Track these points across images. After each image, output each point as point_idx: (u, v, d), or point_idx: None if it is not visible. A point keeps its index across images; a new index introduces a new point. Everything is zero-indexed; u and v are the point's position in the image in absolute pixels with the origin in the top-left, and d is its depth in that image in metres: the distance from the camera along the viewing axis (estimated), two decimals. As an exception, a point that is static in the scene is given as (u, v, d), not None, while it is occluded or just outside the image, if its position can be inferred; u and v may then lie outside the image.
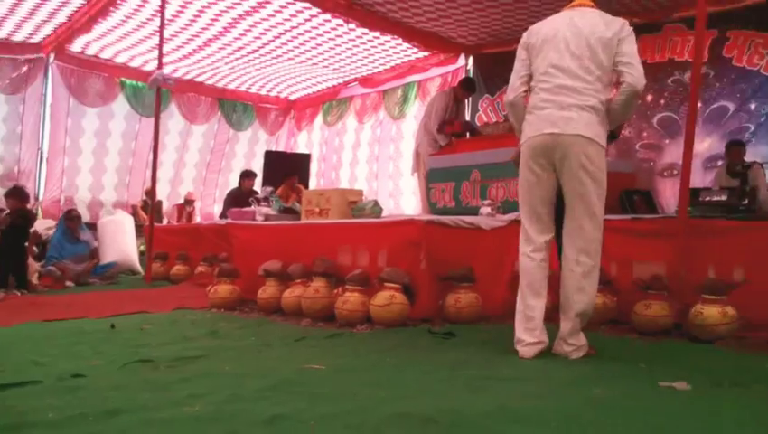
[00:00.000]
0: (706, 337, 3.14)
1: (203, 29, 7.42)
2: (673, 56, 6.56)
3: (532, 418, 1.83)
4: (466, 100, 7.02)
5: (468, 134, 5.73)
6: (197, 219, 9.50)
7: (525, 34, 2.92)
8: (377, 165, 9.68)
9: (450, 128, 5.65)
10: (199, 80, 9.64)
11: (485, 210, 4.31)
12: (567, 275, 2.76)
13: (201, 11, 6.88)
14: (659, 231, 3.70)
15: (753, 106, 6.06)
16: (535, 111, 2.80)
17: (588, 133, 2.69)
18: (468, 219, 4.08)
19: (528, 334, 2.78)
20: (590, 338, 3.28)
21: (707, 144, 6.36)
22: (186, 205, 9.37)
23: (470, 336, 3.29)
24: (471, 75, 8.10)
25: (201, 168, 10.23)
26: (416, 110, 8.82)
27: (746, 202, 4.33)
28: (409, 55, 8.29)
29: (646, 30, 6.66)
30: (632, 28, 2.75)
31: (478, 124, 7.10)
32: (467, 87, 6.45)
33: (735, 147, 5.63)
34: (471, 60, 8.21)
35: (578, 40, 2.73)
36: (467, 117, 7.96)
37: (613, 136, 3.09)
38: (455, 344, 3.14)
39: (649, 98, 6.75)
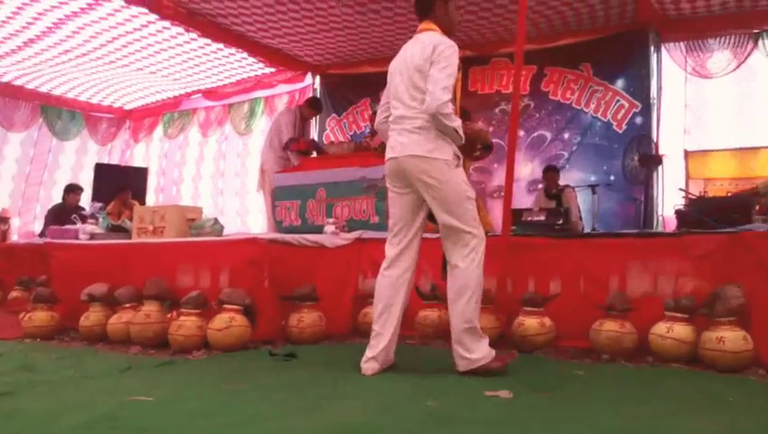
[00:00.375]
0: (527, 347, 3.40)
1: (24, 27, 6.68)
2: (500, 88, 7.19)
3: (368, 435, 1.85)
4: (312, 119, 7.06)
5: (314, 152, 5.75)
6: (13, 237, 8.45)
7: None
8: (222, 181, 9.35)
9: (296, 146, 5.64)
10: (18, 83, 8.65)
11: (329, 228, 4.34)
12: (447, 289, 2.87)
13: (20, 7, 6.19)
14: (486, 249, 3.96)
15: (566, 135, 6.82)
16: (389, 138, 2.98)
17: (419, 151, 2.80)
18: (311, 237, 4.07)
19: (370, 351, 2.84)
20: (428, 352, 3.45)
21: (530, 169, 7.02)
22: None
23: (312, 357, 3.27)
24: (318, 94, 8.18)
25: (20, 181, 9.15)
26: (263, 126, 8.68)
27: (561, 221, 4.84)
28: (255, 70, 8.15)
29: (476, 62, 7.24)
30: (449, 49, 2.79)
31: (325, 143, 7.17)
32: (313, 106, 6.50)
33: (551, 172, 6.28)
34: (318, 79, 8.29)
35: (406, 68, 2.88)
36: (314, 136, 8.03)
37: (486, 147, 3.17)
38: (297, 365, 3.10)
39: (479, 125, 7.31)
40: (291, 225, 5.16)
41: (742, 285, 2.98)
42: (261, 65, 7.87)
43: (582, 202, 6.16)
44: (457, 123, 2.79)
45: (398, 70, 2.93)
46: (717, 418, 2.12)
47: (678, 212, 3.75)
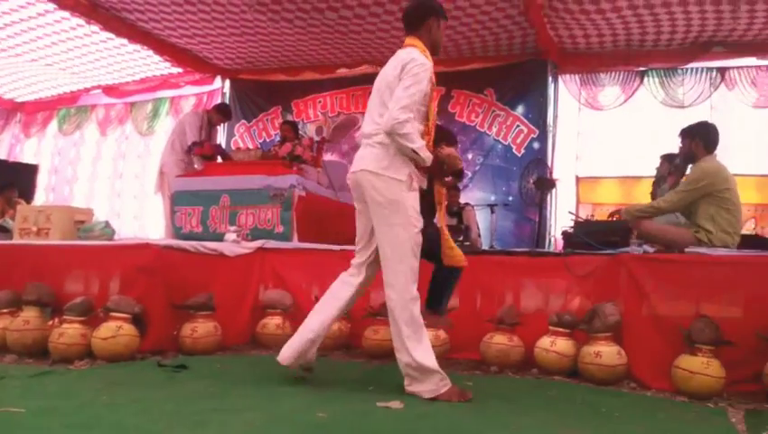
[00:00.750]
0: (423, 358, 3.49)
1: None
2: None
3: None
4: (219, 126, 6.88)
5: (219, 158, 5.61)
6: None
7: None
8: (120, 182, 8.92)
9: (200, 150, 5.48)
10: None
11: (230, 236, 4.24)
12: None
13: None
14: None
15: (470, 156, 7.09)
16: None
17: (372, 167, 2.73)
18: (210, 245, 3.96)
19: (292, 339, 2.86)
20: (326, 364, 3.44)
21: (437, 186, 7.20)
22: None
23: (205, 368, 3.17)
24: (227, 98, 8.02)
25: None
26: (167, 127, 8.36)
27: (461, 238, 5.02)
28: (161, 69, 7.88)
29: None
30: (418, 67, 2.68)
31: (234, 148, 7.02)
32: (222, 113, 6.34)
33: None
34: (228, 83, 8.13)
35: (379, 83, 2.83)
36: (222, 141, 7.84)
37: (456, 173, 3.03)
38: (187, 377, 2.99)
39: (450, 150, 7.46)
40: (191, 232, 5.00)
41: (618, 303, 3.22)
42: (168, 64, 7.62)
43: (481, 221, 6.41)
44: (417, 144, 2.66)
45: (376, 85, 2.86)
46: (591, 427, 2.27)
47: (564, 234, 3.99)
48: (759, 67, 6.45)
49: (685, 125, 4.15)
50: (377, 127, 2.75)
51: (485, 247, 5.92)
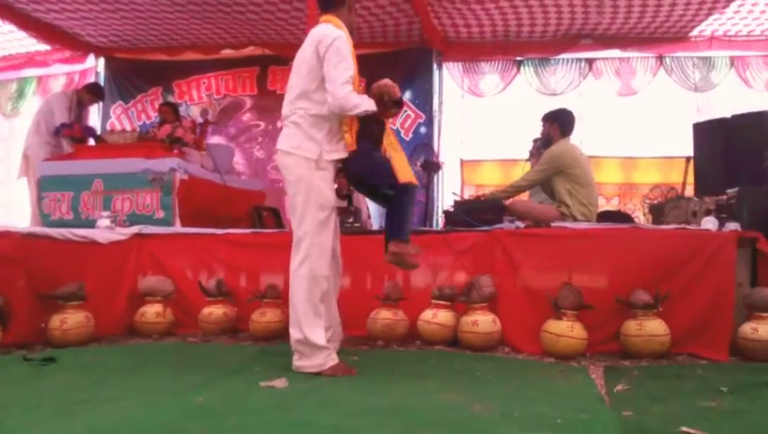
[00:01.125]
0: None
1: None
2: (299, 89, 7.27)
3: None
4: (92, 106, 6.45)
5: (91, 140, 5.26)
6: None
7: None
8: (-17, 168, 8.15)
9: (69, 132, 5.11)
10: None
11: (103, 222, 4.01)
12: None
13: None
14: (279, 244, 3.97)
15: (360, 139, 7.13)
16: None
17: (285, 146, 2.79)
18: (80, 232, 3.72)
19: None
20: (211, 349, 3.36)
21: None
22: None
23: (76, 360, 2.99)
24: (101, 78, 7.53)
25: None
26: (34, 108, 7.68)
27: (351, 219, 5.07)
28: (27, 46, 7.23)
29: (275, 62, 7.27)
30: (337, 41, 2.68)
31: (109, 130, 6.61)
32: (93, 92, 5.93)
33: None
34: (102, 62, 7.62)
35: (295, 63, 2.83)
36: (97, 124, 7.36)
37: (396, 102, 2.88)
38: (56, 370, 2.80)
39: (279, 124, 7.33)
40: (61, 219, 4.67)
41: (492, 275, 3.41)
42: (34, 41, 7.00)
43: (371, 203, 6.49)
44: (365, 105, 2.68)
45: (293, 65, 2.86)
46: (466, 390, 2.40)
47: (445, 213, 4.16)
48: (622, 58, 7.02)
49: (556, 111, 4.47)
50: (291, 107, 2.79)
51: (375, 228, 6.01)
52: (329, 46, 2.67)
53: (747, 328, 3.03)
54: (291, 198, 2.77)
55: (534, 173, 4.28)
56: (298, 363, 2.72)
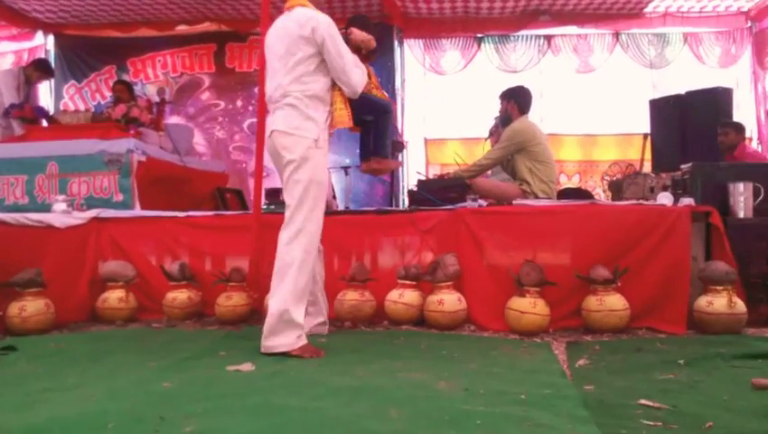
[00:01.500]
0: (277, 320, 3.50)
1: None
2: (258, 66, 7.15)
3: (85, 425, 1.73)
4: (46, 84, 6.21)
5: (44, 121, 5.07)
6: None
7: None
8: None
9: (19, 113, 4.91)
10: None
11: (59, 206, 3.89)
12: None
13: None
14: (243, 226, 3.92)
15: (322, 118, 7.07)
16: None
17: (283, 127, 2.81)
18: (36, 216, 3.62)
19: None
20: (176, 334, 3.33)
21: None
22: None
23: (37, 348, 2.92)
24: (51, 56, 7.24)
25: None
26: (-20, 89, 7.38)
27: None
28: (-33, 22, 6.89)
29: (233, 38, 7.12)
30: (332, 27, 2.81)
31: (62, 111, 6.38)
32: (40, 68, 5.69)
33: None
34: (52, 39, 7.32)
35: (282, 46, 2.85)
36: (50, 104, 7.10)
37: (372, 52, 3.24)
38: (17, 358, 2.74)
39: (239, 103, 7.22)
40: (16, 203, 4.52)
41: (457, 254, 3.45)
42: (-25, 17, 6.67)
43: (336, 183, 6.46)
44: (364, 80, 2.95)
45: (272, 48, 2.90)
46: (432, 369, 2.44)
47: (410, 192, 4.18)
48: (580, 35, 7.12)
49: (516, 89, 4.50)
50: (283, 90, 2.82)
51: (341, 208, 6.00)
52: (326, 35, 2.79)
53: (703, 301, 3.15)
54: (290, 175, 2.80)
55: (495, 151, 4.32)
56: (268, 342, 2.72)
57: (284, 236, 2.79)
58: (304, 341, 2.74)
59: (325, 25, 2.80)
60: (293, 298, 2.70)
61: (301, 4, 2.92)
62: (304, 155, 2.78)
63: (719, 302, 3.09)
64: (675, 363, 2.49)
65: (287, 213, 2.82)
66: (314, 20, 2.80)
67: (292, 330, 2.70)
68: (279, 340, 2.70)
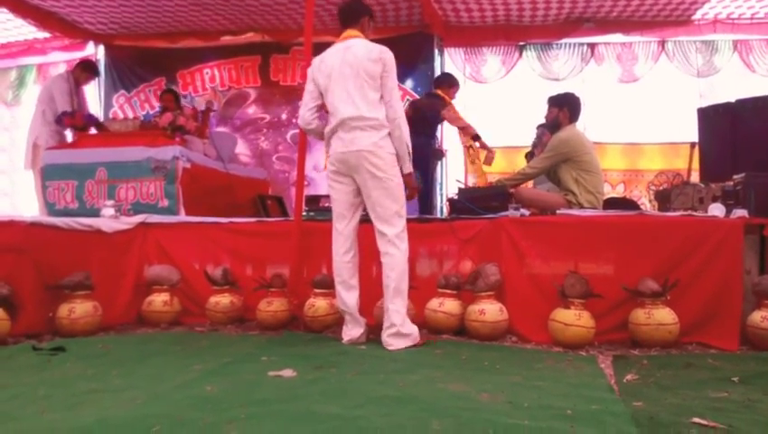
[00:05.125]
0: (317, 327, 3.52)
1: None
2: (302, 80, 7.24)
3: (131, 426, 1.76)
4: (85, 90, 6.35)
5: (93, 128, 5.23)
6: None
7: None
8: (-15, 157, 8.16)
9: (70, 121, 5.07)
10: None
11: (108, 211, 4.00)
12: None
13: None
14: (283, 233, 3.95)
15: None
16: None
17: (372, 147, 3.10)
18: (85, 221, 3.72)
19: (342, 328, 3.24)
20: (218, 338, 3.37)
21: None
22: None
23: (85, 350, 3.00)
24: (102, 66, 7.47)
25: None
26: (35, 96, 7.66)
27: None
28: (25, 34, 7.18)
29: (276, 50, 7.23)
30: (393, 59, 3.16)
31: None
32: (87, 69, 5.83)
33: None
34: (102, 50, 7.56)
35: (351, 73, 3.12)
36: (100, 113, 7.33)
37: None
38: (65, 359, 2.82)
39: (284, 117, 7.36)
40: (66, 208, 4.66)
41: (498, 263, 3.40)
42: (33, 29, 6.94)
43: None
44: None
45: (339, 74, 3.15)
46: (474, 380, 2.40)
47: (450, 201, 4.14)
48: (624, 44, 6.97)
49: (558, 97, 4.43)
50: (364, 111, 3.10)
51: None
52: (391, 71, 3.15)
53: (757, 317, 3.03)
54: (381, 189, 3.10)
55: (541, 160, 4.24)
56: (397, 342, 3.04)
57: (390, 240, 3.11)
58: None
59: (391, 55, 3.16)
60: (406, 296, 3.15)
61: (359, 36, 3.24)
62: (393, 170, 3.13)
63: (774, 317, 2.96)
64: (728, 381, 2.39)
65: (384, 223, 3.12)
66: (383, 49, 3.15)
67: (410, 323, 3.11)
68: (402, 341, 3.05)
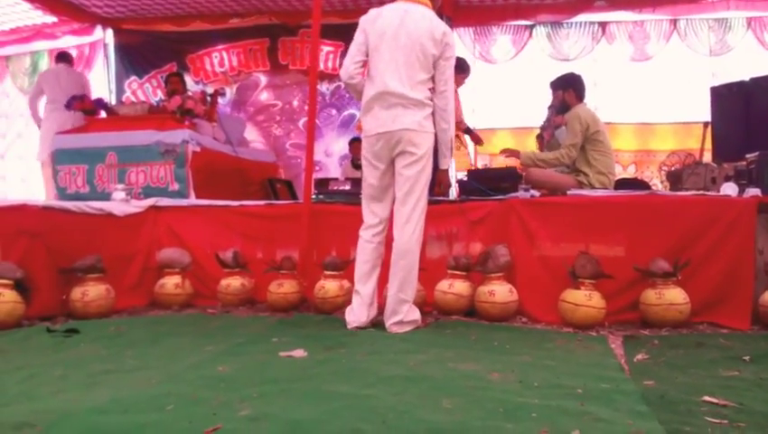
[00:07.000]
0: (327, 308, 3.53)
1: None
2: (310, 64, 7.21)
3: (145, 406, 1.78)
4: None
5: (103, 112, 5.24)
6: None
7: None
8: (3, 143, 8.23)
9: (79, 105, 5.09)
10: None
11: (118, 195, 4.02)
12: None
13: None
14: (293, 216, 3.95)
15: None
16: None
17: (414, 126, 2.94)
18: (97, 204, 3.75)
19: (348, 313, 3.10)
20: (230, 320, 3.40)
21: (342, 144, 7.27)
22: None
23: (99, 332, 3.03)
24: (111, 50, 7.50)
25: None
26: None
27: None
28: (33, 18, 7.18)
29: (284, 32, 7.20)
30: (453, 50, 3.03)
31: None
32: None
33: (356, 143, 6.53)
34: (110, 33, 7.56)
35: (407, 41, 2.92)
36: (112, 98, 7.35)
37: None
38: (79, 340, 2.86)
39: (296, 104, 7.36)
40: (77, 192, 4.70)
41: (508, 245, 3.39)
42: (40, 12, 6.94)
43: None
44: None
45: (392, 38, 2.93)
46: (484, 360, 2.41)
47: (459, 182, 4.13)
48: (635, 22, 6.87)
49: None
50: (408, 91, 2.91)
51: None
52: (451, 59, 3.00)
53: (768, 296, 3.01)
54: (414, 167, 2.96)
55: (570, 140, 4.04)
56: (400, 328, 2.99)
57: (408, 226, 2.99)
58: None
59: (451, 36, 3.01)
60: (415, 284, 3.07)
61: (424, 3, 3.01)
62: (430, 149, 2.99)
63: (787, 297, 2.95)
64: (740, 360, 2.38)
65: (407, 203, 2.98)
66: (445, 28, 2.98)
67: (414, 308, 3.06)
68: (407, 326, 3.01)
